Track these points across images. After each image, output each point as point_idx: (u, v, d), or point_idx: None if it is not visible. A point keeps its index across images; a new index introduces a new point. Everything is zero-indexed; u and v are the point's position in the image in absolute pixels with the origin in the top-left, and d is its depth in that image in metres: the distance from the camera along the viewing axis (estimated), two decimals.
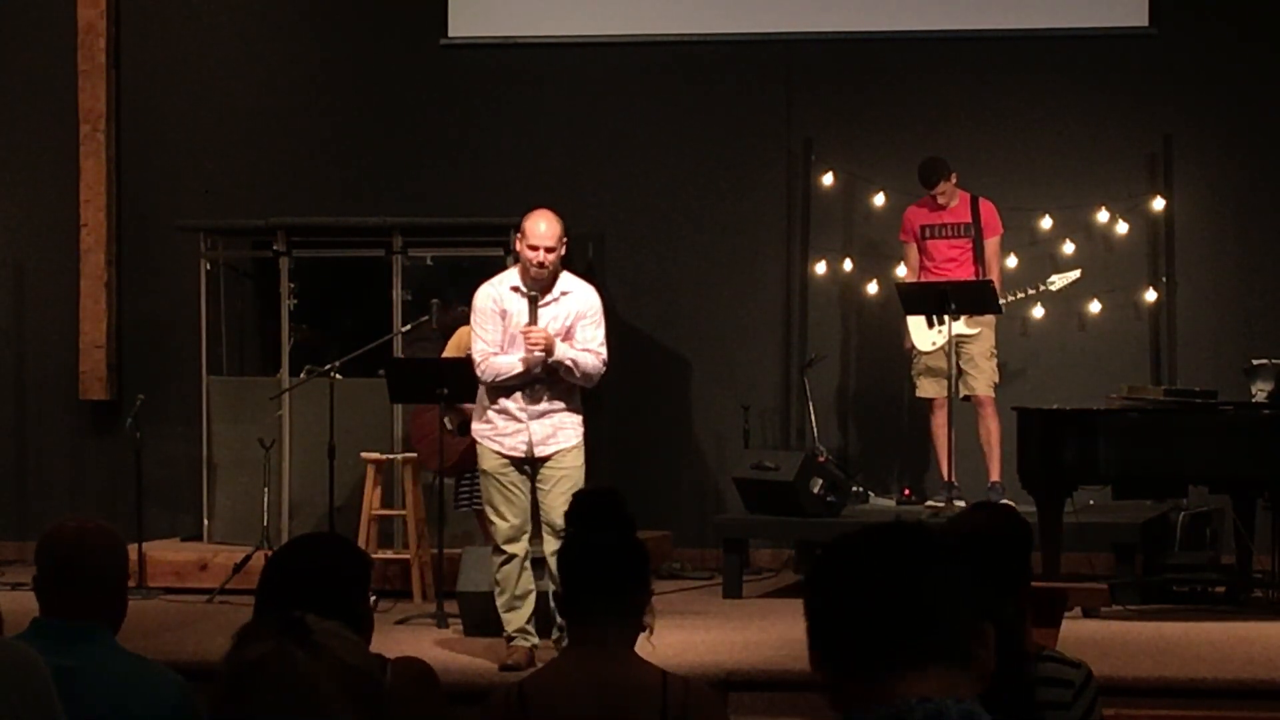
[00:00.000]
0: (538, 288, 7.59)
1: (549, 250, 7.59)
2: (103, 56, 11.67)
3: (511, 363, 7.60)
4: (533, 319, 7.54)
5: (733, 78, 11.41)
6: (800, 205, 11.38)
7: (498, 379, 7.63)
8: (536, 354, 7.61)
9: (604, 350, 7.74)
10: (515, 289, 7.68)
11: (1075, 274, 10.64)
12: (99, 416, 11.79)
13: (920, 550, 2.20)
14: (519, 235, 7.76)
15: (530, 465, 7.70)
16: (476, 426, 7.85)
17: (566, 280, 7.73)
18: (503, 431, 7.69)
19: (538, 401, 7.68)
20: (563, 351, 7.64)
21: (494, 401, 7.68)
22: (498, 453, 7.72)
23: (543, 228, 7.64)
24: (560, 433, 7.72)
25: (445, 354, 9.33)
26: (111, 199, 11.73)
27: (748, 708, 7.34)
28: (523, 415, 7.68)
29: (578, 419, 7.73)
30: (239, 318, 11.40)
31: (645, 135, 11.49)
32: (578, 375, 7.65)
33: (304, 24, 11.88)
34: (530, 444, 7.67)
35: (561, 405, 7.71)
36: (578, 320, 7.81)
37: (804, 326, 11.42)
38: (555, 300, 7.71)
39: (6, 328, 11.94)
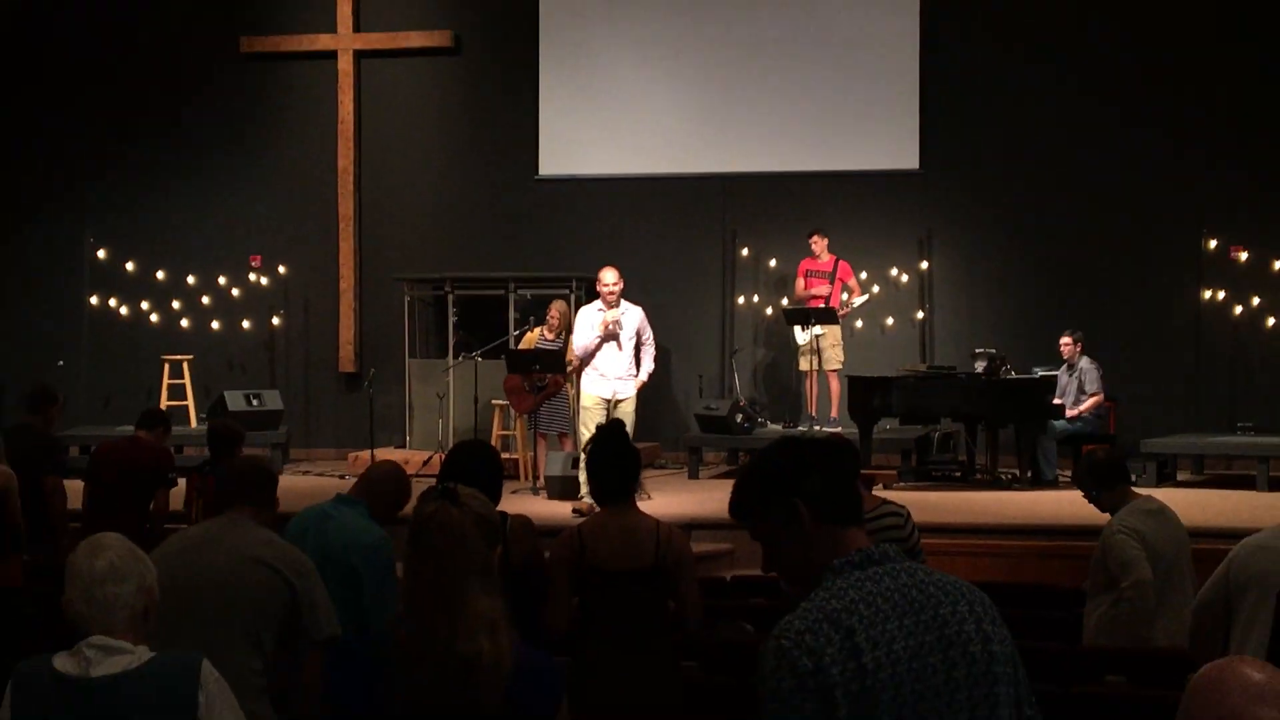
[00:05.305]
0: (610, 306, 9.65)
1: (614, 287, 9.67)
2: (350, 160, 13.41)
3: (589, 341, 9.71)
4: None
5: (691, 194, 13.24)
6: (730, 266, 13.24)
7: (585, 351, 9.76)
8: (612, 328, 9.54)
9: (653, 348, 9.94)
10: (600, 310, 9.78)
11: (866, 297, 12.65)
12: (349, 381, 13.73)
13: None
14: (598, 280, 9.74)
15: (610, 404, 9.77)
16: (585, 379, 9.86)
17: (626, 305, 9.85)
18: (599, 385, 9.81)
19: (619, 372, 9.83)
20: (643, 374, 9.72)
21: (596, 368, 9.82)
22: (595, 394, 9.82)
23: (609, 277, 9.75)
24: (625, 386, 9.89)
25: (521, 348, 11.13)
26: (356, 262, 13.90)
27: (705, 539, 8.79)
28: (609, 374, 9.84)
29: (634, 382, 9.86)
30: (425, 328, 13.37)
31: (640, 228, 13.31)
32: (646, 374, 9.86)
33: (452, 167, 13.55)
34: (614, 392, 9.78)
35: (630, 373, 9.90)
36: (639, 334, 9.73)
37: (732, 333, 13.30)
38: (623, 314, 9.77)
39: (302, 334, 13.85)
